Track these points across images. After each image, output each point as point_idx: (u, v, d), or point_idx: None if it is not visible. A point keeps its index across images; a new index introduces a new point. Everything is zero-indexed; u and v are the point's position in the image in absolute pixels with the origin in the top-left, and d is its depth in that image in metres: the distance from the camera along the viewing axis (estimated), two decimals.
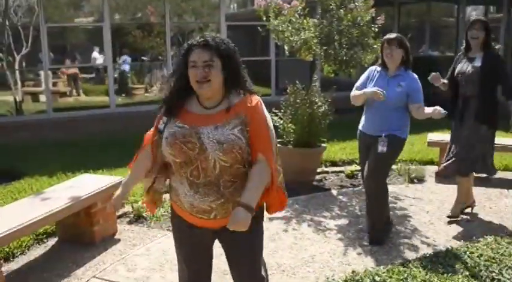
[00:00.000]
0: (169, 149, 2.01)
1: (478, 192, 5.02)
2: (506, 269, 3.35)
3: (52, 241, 4.05)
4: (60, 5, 10.28)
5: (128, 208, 4.64)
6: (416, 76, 3.74)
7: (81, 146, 7.42)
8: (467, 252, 3.61)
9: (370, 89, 3.67)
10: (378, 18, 5.14)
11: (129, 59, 11.49)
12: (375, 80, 3.80)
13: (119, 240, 4.05)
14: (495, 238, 3.90)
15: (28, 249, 3.89)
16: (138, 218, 4.48)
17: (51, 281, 3.38)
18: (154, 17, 10.64)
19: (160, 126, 2.07)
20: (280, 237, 4.04)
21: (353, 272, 3.40)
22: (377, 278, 3.27)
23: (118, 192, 2.15)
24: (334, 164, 6.18)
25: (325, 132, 5.38)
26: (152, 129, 2.16)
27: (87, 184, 4.03)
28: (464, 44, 4.19)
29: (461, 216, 4.42)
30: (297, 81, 5.35)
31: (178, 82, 2.05)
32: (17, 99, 9.07)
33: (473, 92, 4.04)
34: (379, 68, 3.84)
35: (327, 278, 3.34)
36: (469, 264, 3.43)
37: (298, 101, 5.21)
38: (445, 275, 3.29)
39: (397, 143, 3.74)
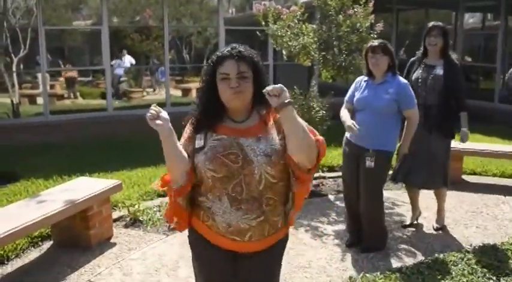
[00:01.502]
0: (209, 164, 1.87)
1: (475, 198, 5.03)
2: (504, 276, 3.35)
3: (47, 244, 4.02)
4: (58, 7, 10.28)
5: (124, 212, 4.62)
6: (404, 81, 3.66)
7: (78, 149, 7.39)
8: (465, 259, 3.61)
9: (347, 121, 3.62)
10: (377, 25, 5.14)
11: (122, 63, 11.18)
12: (361, 89, 3.74)
13: (114, 244, 4.02)
14: (492, 244, 3.90)
15: (23, 253, 3.86)
16: (134, 222, 4.46)
17: None
18: (152, 21, 10.65)
19: (198, 143, 1.92)
20: None
21: (350, 277, 3.39)
22: None
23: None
24: (331, 169, 6.17)
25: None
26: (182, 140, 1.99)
27: (83, 187, 4.01)
28: (421, 49, 4.12)
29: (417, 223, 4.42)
30: (295, 86, 5.36)
31: (208, 95, 1.93)
32: (14, 102, 9.05)
33: (435, 101, 3.94)
34: (366, 78, 3.77)
35: None
36: (467, 271, 3.43)
37: (296, 106, 5.20)
38: (442, 281, 3.28)
39: (383, 158, 3.61)
